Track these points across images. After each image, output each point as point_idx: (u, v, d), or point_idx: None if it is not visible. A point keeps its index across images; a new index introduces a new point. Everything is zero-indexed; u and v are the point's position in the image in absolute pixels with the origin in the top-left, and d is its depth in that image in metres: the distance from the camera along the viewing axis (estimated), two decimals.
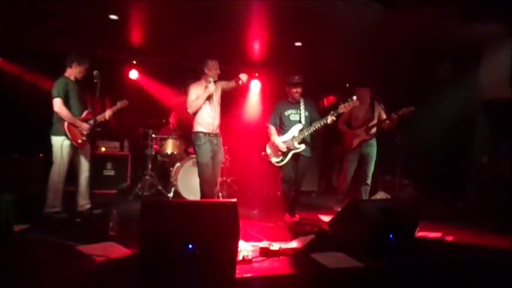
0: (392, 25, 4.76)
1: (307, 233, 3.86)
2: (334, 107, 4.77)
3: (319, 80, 7.50)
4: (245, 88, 7.43)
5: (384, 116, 5.43)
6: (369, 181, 5.53)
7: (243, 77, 4.66)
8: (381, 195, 5.99)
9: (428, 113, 5.96)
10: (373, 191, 6.01)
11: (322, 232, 3.88)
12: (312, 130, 4.81)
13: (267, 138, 5.08)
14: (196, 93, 4.57)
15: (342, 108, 4.69)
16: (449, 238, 4.01)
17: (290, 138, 4.88)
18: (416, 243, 3.66)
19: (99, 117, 4.62)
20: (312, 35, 5.43)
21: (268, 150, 5.05)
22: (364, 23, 4.69)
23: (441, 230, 4.29)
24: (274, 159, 4.98)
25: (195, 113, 4.59)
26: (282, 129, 5.01)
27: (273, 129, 5.01)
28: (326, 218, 4.71)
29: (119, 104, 4.77)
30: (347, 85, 7.67)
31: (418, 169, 6.01)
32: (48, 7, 4.72)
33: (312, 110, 5.01)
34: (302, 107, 4.95)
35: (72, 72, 4.53)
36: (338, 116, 4.81)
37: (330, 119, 4.70)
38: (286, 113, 4.97)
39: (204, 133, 4.58)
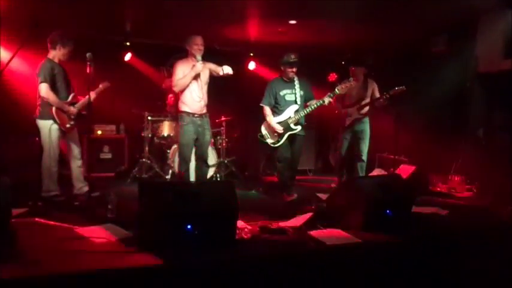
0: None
1: (305, 210, 3.89)
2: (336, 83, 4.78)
3: (315, 58, 7.45)
4: (240, 68, 7.37)
5: (377, 94, 5.47)
6: (364, 157, 5.56)
7: (225, 69, 4.52)
8: (377, 172, 6.03)
9: (424, 87, 5.95)
10: (369, 168, 6.05)
11: (320, 209, 3.90)
12: (308, 111, 4.80)
13: (263, 119, 5.05)
14: (182, 71, 4.47)
15: (339, 89, 4.72)
16: (444, 212, 4.05)
17: (286, 119, 4.85)
18: (413, 218, 3.70)
19: (83, 101, 4.48)
20: (306, 11, 5.34)
21: (264, 131, 5.00)
22: None
23: (437, 204, 4.33)
24: (270, 141, 4.95)
25: (181, 92, 4.51)
26: (276, 109, 4.94)
27: (268, 110, 4.95)
28: (323, 196, 4.74)
29: (101, 86, 4.63)
30: (342, 63, 7.62)
31: (414, 144, 6.02)
32: None
33: (306, 89, 4.97)
34: (297, 86, 4.90)
35: (57, 55, 4.40)
36: (333, 97, 4.81)
37: (327, 100, 4.71)
38: (282, 93, 4.90)
39: (188, 113, 4.52)
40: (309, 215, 3.66)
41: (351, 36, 6.50)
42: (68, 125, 4.40)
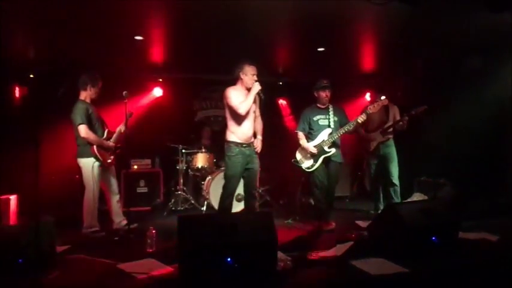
0: (419, 19, 4.64)
1: (346, 239, 3.78)
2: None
3: (346, 83, 7.46)
4: (272, 96, 7.44)
5: (399, 117, 5.47)
6: (395, 181, 5.45)
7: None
8: (417, 196, 5.85)
9: (461, 108, 5.78)
10: (409, 193, 5.88)
11: (360, 238, 3.79)
12: (342, 132, 4.80)
13: (296, 146, 5.07)
14: (237, 96, 4.29)
15: (371, 109, 4.73)
16: (494, 238, 3.84)
17: (320, 142, 4.87)
18: (460, 245, 3.53)
19: (116, 135, 4.73)
20: (335, 39, 5.36)
21: (298, 156, 5.03)
22: (388, 20, 4.60)
23: (485, 229, 4.12)
24: (304, 165, 4.96)
25: (232, 121, 4.31)
26: (310, 135, 5.00)
27: (301, 135, 5.03)
28: (363, 224, 4.62)
29: (127, 117, 4.74)
30: (373, 86, 7.58)
31: (455, 167, 5.82)
32: (76, 34, 4.89)
33: (341, 116, 5.00)
34: (331, 112, 4.96)
35: (88, 95, 4.62)
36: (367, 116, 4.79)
37: (360, 119, 4.69)
38: (315, 118, 4.97)
39: (237, 143, 4.29)
40: (350, 244, 3.57)
41: (382, 58, 6.48)
42: (109, 160, 4.60)
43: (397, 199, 5.43)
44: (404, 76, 6.89)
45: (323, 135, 4.87)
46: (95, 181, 4.48)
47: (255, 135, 4.50)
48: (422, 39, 5.34)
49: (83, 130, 4.41)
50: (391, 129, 5.51)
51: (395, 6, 3.59)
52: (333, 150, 4.83)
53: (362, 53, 6.18)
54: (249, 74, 4.29)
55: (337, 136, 4.81)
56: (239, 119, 4.28)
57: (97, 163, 4.49)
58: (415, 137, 5.62)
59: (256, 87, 4.25)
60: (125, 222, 4.68)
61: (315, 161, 4.86)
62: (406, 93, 6.31)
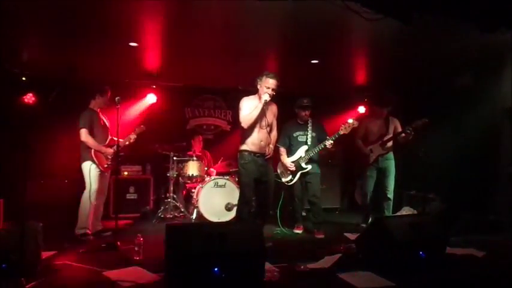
0: (411, 37, 4.71)
1: (334, 251, 3.79)
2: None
3: (337, 96, 7.52)
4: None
5: (400, 130, 5.43)
6: (390, 195, 5.47)
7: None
8: (406, 210, 5.87)
9: (452, 124, 5.85)
10: (398, 206, 5.90)
11: (349, 251, 3.80)
12: (315, 151, 5.02)
13: (279, 159, 5.27)
14: (249, 107, 4.25)
15: (342, 130, 4.87)
16: (481, 254, 3.87)
17: (297, 158, 5.11)
18: (447, 260, 3.54)
19: (123, 142, 4.85)
20: (328, 51, 5.41)
21: (279, 170, 5.32)
22: (381, 36, 4.65)
23: (472, 245, 4.14)
24: (284, 179, 5.25)
25: (243, 131, 4.31)
26: (290, 150, 5.23)
27: (282, 150, 5.24)
28: (352, 236, 4.63)
29: (137, 130, 5.03)
30: (365, 100, 7.65)
31: (444, 182, 5.86)
32: (75, 40, 4.89)
33: (319, 132, 5.21)
34: (309, 128, 5.18)
35: (96, 103, 4.87)
36: (337, 139, 4.92)
37: (328, 143, 4.89)
38: (295, 134, 5.21)
39: (249, 152, 4.30)
40: (337, 256, 3.57)
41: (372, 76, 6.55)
42: (105, 165, 4.76)
43: (388, 213, 5.44)
44: (397, 91, 6.96)
45: (300, 152, 5.11)
46: (92, 182, 4.64)
47: None
48: (415, 55, 5.40)
49: (83, 134, 4.65)
50: (390, 142, 5.48)
51: (388, 23, 3.61)
52: (309, 166, 5.06)
53: (357, 66, 6.24)
54: (263, 86, 4.23)
55: (312, 154, 5.03)
56: (249, 129, 4.27)
57: (94, 165, 4.66)
58: (405, 151, 5.64)
59: (263, 98, 4.16)
60: (99, 228, 4.85)
61: (293, 176, 5.14)
62: (398, 108, 6.35)
